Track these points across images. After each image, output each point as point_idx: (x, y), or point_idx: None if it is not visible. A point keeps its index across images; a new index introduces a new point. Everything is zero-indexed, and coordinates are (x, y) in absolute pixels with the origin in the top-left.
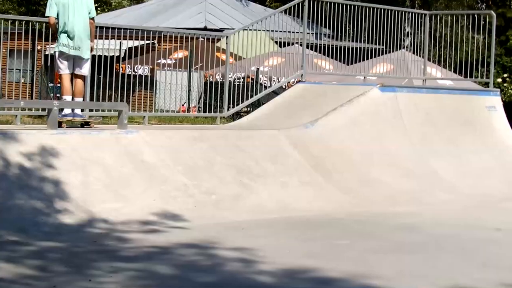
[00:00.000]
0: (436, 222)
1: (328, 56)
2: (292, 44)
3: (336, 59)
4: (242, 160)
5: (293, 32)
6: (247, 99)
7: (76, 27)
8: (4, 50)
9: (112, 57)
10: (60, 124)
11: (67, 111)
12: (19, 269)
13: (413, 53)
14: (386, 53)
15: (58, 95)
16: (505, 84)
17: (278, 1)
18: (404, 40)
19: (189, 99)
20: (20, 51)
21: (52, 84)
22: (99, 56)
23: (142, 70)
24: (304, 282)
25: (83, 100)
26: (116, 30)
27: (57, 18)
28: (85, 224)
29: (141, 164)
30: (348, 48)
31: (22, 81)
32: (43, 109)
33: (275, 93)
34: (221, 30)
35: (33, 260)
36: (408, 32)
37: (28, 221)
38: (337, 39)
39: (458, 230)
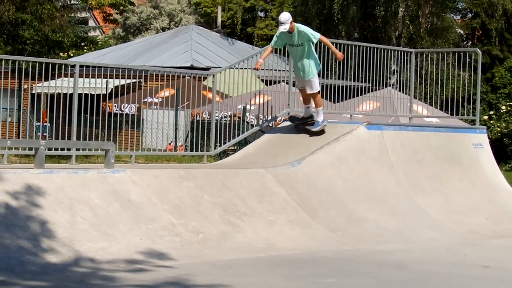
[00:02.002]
0: (422, 259)
1: None
2: (279, 82)
3: (322, 97)
4: (229, 199)
5: (279, 70)
6: (234, 137)
7: None
8: None
9: (98, 95)
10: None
11: None
12: None
13: (400, 90)
14: (372, 91)
15: (45, 134)
16: (491, 122)
17: (265, 40)
18: (390, 78)
19: (176, 137)
20: (6, 90)
21: (39, 123)
22: (86, 95)
23: (129, 108)
24: None
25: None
26: (102, 68)
27: None
28: (72, 263)
29: (127, 203)
30: (335, 86)
31: (9, 120)
32: (30, 148)
33: (262, 131)
34: (207, 68)
35: None
36: (394, 70)
37: (14, 260)
38: (323, 77)
39: (445, 267)
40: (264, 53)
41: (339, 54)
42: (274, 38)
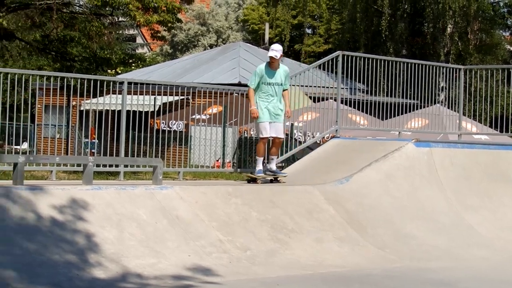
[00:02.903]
0: (469, 277)
1: (362, 111)
2: (327, 99)
3: (370, 114)
4: (277, 216)
5: (327, 87)
6: (281, 154)
7: None
8: (39, 106)
9: (146, 112)
10: (255, 180)
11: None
12: None
13: (448, 107)
14: (421, 107)
15: (93, 150)
16: None
17: (312, 57)
18: (439, 95)
19: (223, 154)
20: (55, 107)
21: (87, 140)
22: (134, 112)
23: (177, 125)
24: None
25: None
26: (150, 85)
27: None
28: (119, 279)
29: (175, 220)
30: (383, 103)
31: (58, 136)
32: (78, 165)
33: (310, 148)
34: None
35: None
36: (443, 87)
37: (62, 275)
38: (371, 94)
39: (492, 286)
40: (251, 99)
41: (289, 114)
42: (254, 78)
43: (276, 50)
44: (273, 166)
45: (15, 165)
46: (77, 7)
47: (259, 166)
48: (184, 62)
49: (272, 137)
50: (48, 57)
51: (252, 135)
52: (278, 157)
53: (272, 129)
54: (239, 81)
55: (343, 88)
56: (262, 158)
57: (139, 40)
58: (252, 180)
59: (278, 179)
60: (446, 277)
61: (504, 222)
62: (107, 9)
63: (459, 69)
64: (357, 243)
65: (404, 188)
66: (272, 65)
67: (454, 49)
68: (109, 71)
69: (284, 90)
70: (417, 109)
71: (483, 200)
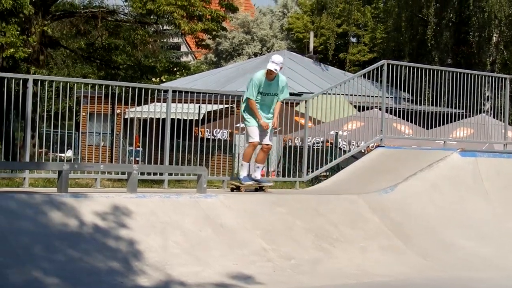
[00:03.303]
0: None
1: (407, 120)
2: (371, 108)
3: (415, 123)
4: (321, 225)
5: (372, 96)
6: (326, 163)
7: None
8: (84, 114)
9: (191, 121)
10: (238, 189)
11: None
12: None
13: (494, 117)
14: (466, 117)
15: (137, 158)
16: None
17: (357, 66)
18: (484, 104)
19: (268, 163)
20: (99, 115)
21: (131, 148)
22: (178, 120)
23: (221, 134)
24: None
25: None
26: (195, 94)
27: None
28: (163, 287)
29: (220, 228)
30: (428, 112)
31: (102, 144)
32: (123, 173)
33: (354, 157)
34: (299, 94)
35: None
36: (488, 96)
37: (106, 283)
38: (416, 103)
39: None
40: (256, 112)
41: (275, 125)
42: (253, 89)
43: (277, 63)
44: (258, 175)
45: (60, 172)
46: (122, 16)
47: (244, 173)
48: (228, 71)
49: (260, 143)
50: (93, 65)
51: (297, 144)
52: (319, 166)
53: (261, 135)
54: None
55: (388, 97)
56: (248, 164)
57: (183, 48)
58: (236, 189)
59: (263, 188)
60: (491, 286)
61: None
62: (151, 17)
63: (505, 79)
64: (402, 252)
65: (449, 197)
66: (269, 76)
67: (500, 59)
68: (153, 79)
69: (277, 101)
70: (462, 118)
71: None
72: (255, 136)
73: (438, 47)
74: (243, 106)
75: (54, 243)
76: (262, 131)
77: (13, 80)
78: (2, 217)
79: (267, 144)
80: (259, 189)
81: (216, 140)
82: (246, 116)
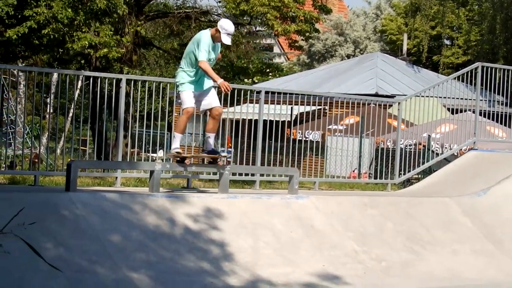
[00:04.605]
0: None
1: (501, 123)
2: (465, 111)
3: (509, 126)
4: (413, 227)
5: (465, 99)
6: (418, 166)
7: None
8: (176, 114)
9: (283, 122)
10: (182, 161)
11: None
12: None
13: None
14: None
15: (229, 159)
16: None
17: (451, 68)
18: None
19: (359, 165)
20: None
21: (223, 149)
22: (271, 121)
23: (313, 135)
24: None
25: None
26: (287, 95)
27: None
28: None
29: (310, 229)
30: None
31: (194, 144)
32: (214, 173)
33: (447, 160)
34: (392, 96)
35: None
36: None
37: (197, 283)
38: (510, 106)
39: None
40: (213, 73)
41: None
42: (207, 50)
43: (232, 35)
44: (210, 145)
45: (152, 172)
46: (215, 16)
47: (176, 145)
48: (321, 72)
49: (203, 110)
50: None
51: (389, 146)
52: (411, 169)
53: (206, 101)
54: (376, 91)
55: (481, 100)
56: (181, 136)
57: (276, 49)
58: (180, 161)
59: (218, 161)
60: None
61: None
62: (245, 18)
63: None
64: (494, 256)
65: None
66: (217, 39)
67: None
68: (246, 80)
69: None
70: None
71: None
72: (190, 102)
73: None
74: (179, 71)
75: (145, 243)
76: (205, 95)
77: (106, 80)
78: (94, 216)
79: (218, 108)
80: (213, 161)
81: (308, 142)
82: (181, 79)
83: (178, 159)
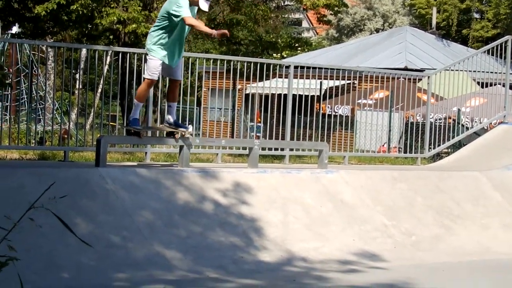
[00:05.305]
0: None
1: None
2: (495, 84)
3: None
4: (443, 201)
5: (495, 72)
6: (448, 140)
7: None
8: (205, 89)
9: (312, 96)
10: (138, 134)
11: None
12: None
13: None
14: None
15: (258, 134)
16: None
17: (480, 42)
18: None
19: (389, 139)
20: (221, 90)
21: (252, 123)
22: (300, 96)
23: (342, 110)
24: None
25: None
26: (316, 69)
27: None
28: (284, 263)
29: (340, 204)
30: None
31: (223, 119)
32: (244, 148)
33: (477, 134)
34: (421, 70)
35: None
36: None
37: (227, 258)
38: None
39: None
40: (206, 28)
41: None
42: (187, 8)
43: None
44: (172, 117)
45: (181, 147)
46: None
47: (136, 115)
48: (350, 47)
49: (170, 80)
50: (214, 41)
51: (418, 120)
52: (441, 143)
53: (170, 70)
54: (405, 65)
55: (511, 73)
56: (141, 104)
57: (305, 24)
58: (134, 134)
59: (175, 133)
60: None
61: None
62: None
63: None
64: None
65: None
66: (193, 2)
67: None
68: (274, 54)
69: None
70: None
71: None
72: (156, 73)
73: None
74: (151, 33)
75: (175, 218)
76: (173, 69)
77: (135, 55)
78: (124, 192)
79: (178, 80)
80: (173, 134)
81: (338, 116)
82: (151, 44)
83: (132, 131)
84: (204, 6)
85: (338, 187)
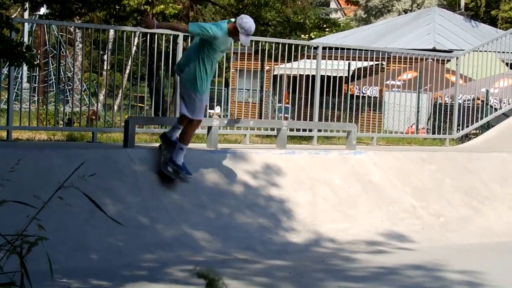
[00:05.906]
0: None
1: None
2: None
3: None
4: (471, 183)
5: None
6: (476, 121)
7: None
8: (233, 70)
9: (340, 77)
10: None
11: None
12: (246, 287)
13: None
14: None
15: (286, 115)
16: None
17: (509, 22)
18: None
19: (417, 120)
20: (249, 71)
21: (280, 105)
22: (328, 77)
23: (370, 91)
24: None
25: None
26: (344, 50)
27: None
28: (312, 244)
29: (368, 185)
30: None
31: (251, 100)
32: (272, 129)
33: (505, 115)
34: (450, 51)
35: (260, 278)
36: None
37: (255, 239)
38: None
39: None
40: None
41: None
42: (215, 30)
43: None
44: (180, 159)
45: (209, 128)
46: None
47: (181, 160)
48: (378, 28)
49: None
50: None
51: (447, 101)
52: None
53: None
54: (434, 46)
55: None
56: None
57: (333, 5)
58: (175, 173)
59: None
60: None
61: None
62: None
63: None
64: None
65: None
66: (232, 36)
67: None
68: (302, 36)
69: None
70: None
71: None
72: (202, 112)
73: None
74: (193, 63)
75: (203, 199)
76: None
77: (163, 36)
78: (152, 173)
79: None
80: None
81: (366, 97)
82: (197, 79)
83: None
84: (246, 42)
85: (366, 168)
